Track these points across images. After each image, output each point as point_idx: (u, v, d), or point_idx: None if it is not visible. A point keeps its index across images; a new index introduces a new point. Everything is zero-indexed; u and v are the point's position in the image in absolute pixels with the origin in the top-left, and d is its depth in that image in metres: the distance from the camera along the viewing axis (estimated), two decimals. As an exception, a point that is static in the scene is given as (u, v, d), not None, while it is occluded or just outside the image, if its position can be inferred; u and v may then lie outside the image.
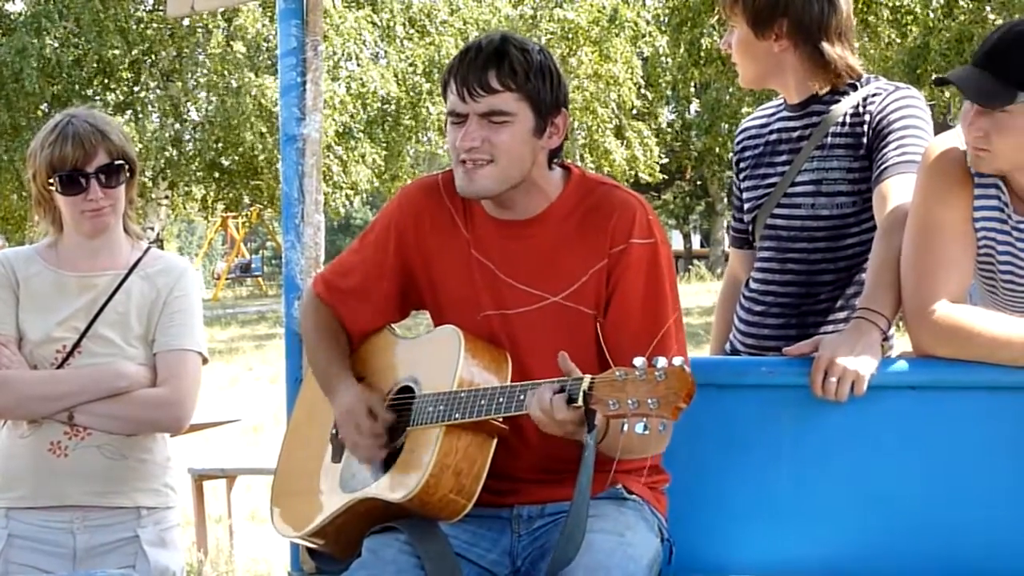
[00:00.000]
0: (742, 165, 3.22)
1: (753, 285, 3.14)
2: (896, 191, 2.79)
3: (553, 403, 2.21)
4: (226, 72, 24.16)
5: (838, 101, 3.01)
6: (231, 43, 24.20)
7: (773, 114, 3.18)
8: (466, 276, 2.54)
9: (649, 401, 2.08)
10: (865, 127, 2.96)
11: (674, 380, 2.08)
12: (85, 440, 2.93)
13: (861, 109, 2.98)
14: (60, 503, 2.92)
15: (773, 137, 3.13)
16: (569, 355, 2.27)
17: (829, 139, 3.00)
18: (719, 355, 3.24)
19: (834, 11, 2.98)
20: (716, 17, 18.56)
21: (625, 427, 2.11)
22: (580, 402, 2.16)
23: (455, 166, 2.48)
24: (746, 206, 3.20)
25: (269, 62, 23.22)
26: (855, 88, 3.02)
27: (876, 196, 2.86)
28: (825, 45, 2.98)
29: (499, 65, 2.40)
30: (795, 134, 3.07)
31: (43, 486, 2.92)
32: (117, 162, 2.94)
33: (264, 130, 23.65)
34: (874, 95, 2.98)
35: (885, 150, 2.89)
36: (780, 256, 3.08)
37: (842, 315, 3.02)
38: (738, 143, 3.26)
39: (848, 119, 2.99)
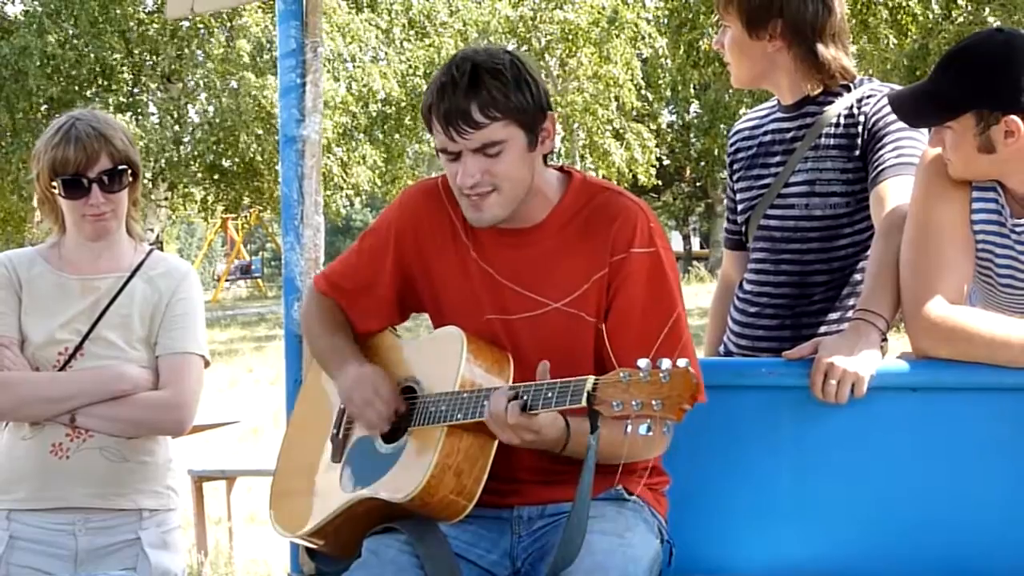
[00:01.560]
0: (736, 167, 3.22)
1: (747, 287, 3.14)
2: (893, 193, 2.80)
3: (508, 411, 2.22)
4: (227, 74, 24.14)
5: (832, 102, 3.02)
6: (232, 43, 24.16)
7: (766, 115, 3.18)
8: (466, 281, 2.54)
9: (653, 402, 2.07)
10: (859, 128, 2.96)
11: (679, 381, 2.07)
12: (87, 442, 2.93)
13: (856, 110, 2.98)
14: (62, 505, 2.92)
15: (767, 138, 3.13)
16: (570, 361, 2.28)
17: (823, 140, 3.01)
18: (713, 357, 3.24)
19: (829, 12, 2.99)
20: (715, 19, 18.55)
21: (629, 428, 2.10)
22: (584, 403, 2.16)
23: (459, 198, 2.47)
24: (739, 207, 3.20)
25: (271, 63, 23.22)
26: (849, 89, 3.02)
27: (873, 198, 2.86)
28: (819, 46, 2.98)
29: (478, 97, 2.35)
30: (789, 135, 3.08)
31: (45, 488, 2.92)
32: (120, 167, 2.93)
33: (262, 131, 23.64)
34: (868, 96, 2.98)
35: (881, 152, 2.89)
36: (774, 257, 3.08)
37: (835, 316, 3.03)
38: (731, 144, 3.26)
39: (842, 120, 2.99)
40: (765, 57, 3.02)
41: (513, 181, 2.42)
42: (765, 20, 2.97)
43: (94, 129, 2.92)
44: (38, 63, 22.54)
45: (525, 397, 2.23)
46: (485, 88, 2.35)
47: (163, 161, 24.36)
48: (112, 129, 2.95)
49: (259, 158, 24.50)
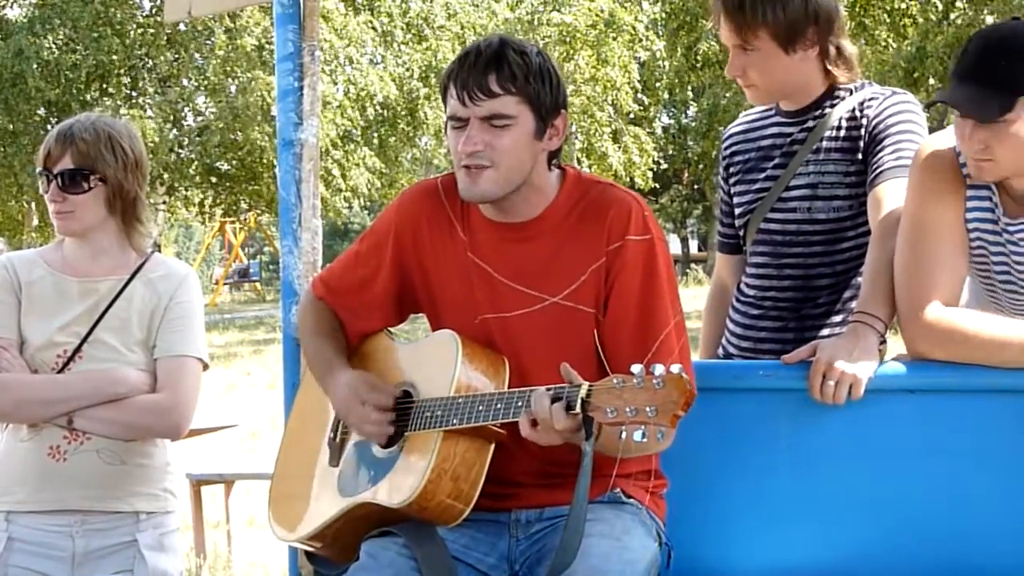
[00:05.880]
0: (732, 170, 3.21)
1: (748, 291, 3.14)
2: (891, 195, 2.80)
3: (553, 412, 2.21)
4: (234, 72, 24.05)
5: (834, 106, 3.02)
6: (234, 41, 24.06)
7: (761, 119, 3.17)
8: (464, 279, 2.54)
9: (647, 409, 2.07)
10: (862, 131, 2.96)
11: (672, 388, 2.07)
12: (84, 445, 2.92)
13: (858, 113, 2.98)
14: (59, 507, 2.92)
15: (767, 142, 3.13)
16: (569, 357, 2.27)
17: (825, 143, 3.01)
18: (709, 359, 3.24)
19: (837, 8, 2.99)
20: (712, 25, 18.54)
21: (623, 435, 2.10)
22: (578, 409, 2.16)
23: (457, 170, 2.49)
24: (737, 211, 3.19)
25: (271, 60, 23.14)
26: (851, 93, 3.03)
27: (871, 200, 2.86)
28: (843, 41, 2.99)
29: (499, 69, 2.40)
30: (790, 139, 3.07)
31: (43, 490, 2.92)
32: (80, 170, 2.93)
33: (271, 129, 23.61)
34: (871, 99, 2.99)
35: (880, 154, 2.90)
36: (776, 261, 3.08)
37: (839, 318, 3.03)
38: (726, 148, 3.24)
39: (844, 123, 2.99)
40: (799, 67, 2.98)
41: (511, 161, 2.43)
42: (803, 30, 2.93)
43: (83, 129, 2.95)
44: (36, 66, 22.51)
45: (568, 397, 2.19)
46: (507, 62, 2.40)
47: (161, 164, 24.31)
48: (91, 133, 2.95)
49: (260, 160, 24.46)
